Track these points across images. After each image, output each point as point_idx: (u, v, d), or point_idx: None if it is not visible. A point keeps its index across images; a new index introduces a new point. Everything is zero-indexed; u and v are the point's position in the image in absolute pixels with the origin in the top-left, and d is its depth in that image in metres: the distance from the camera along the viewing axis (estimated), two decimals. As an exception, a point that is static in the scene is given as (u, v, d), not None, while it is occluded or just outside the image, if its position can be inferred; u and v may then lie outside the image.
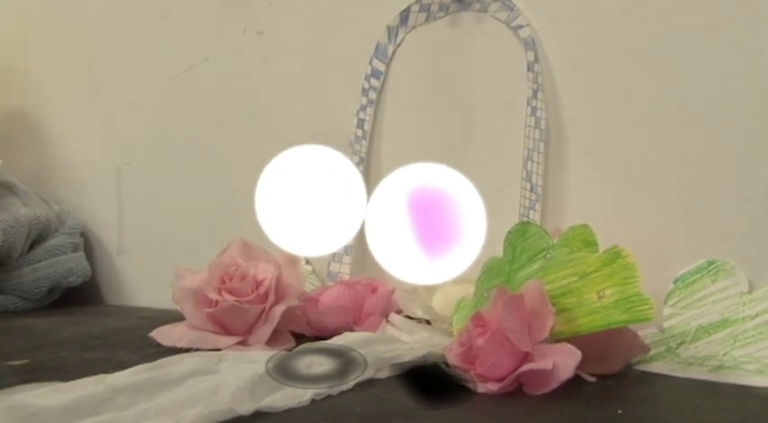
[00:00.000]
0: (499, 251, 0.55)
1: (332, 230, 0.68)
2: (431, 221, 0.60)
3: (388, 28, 0.76)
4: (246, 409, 0.42)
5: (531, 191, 0.66)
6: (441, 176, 0.62)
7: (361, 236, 0.75)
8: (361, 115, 0.77)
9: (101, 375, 0.45)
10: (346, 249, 0.76)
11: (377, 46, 0.77)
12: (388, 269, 0.62)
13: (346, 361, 0.51)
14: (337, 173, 0.69)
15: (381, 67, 0.77)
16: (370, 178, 0.75)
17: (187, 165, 0.90)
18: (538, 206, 0.66)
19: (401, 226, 0.61)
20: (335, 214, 0.70)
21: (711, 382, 0.52)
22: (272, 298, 0.62)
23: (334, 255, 0.76)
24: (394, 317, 0.64)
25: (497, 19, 0.70)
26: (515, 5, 0.69)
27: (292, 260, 0.66)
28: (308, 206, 0.67)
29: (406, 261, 0.60)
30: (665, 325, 0.56)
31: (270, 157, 0.73)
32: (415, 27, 0.75)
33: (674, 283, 0.57)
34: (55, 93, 1.02)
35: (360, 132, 0.77)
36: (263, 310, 0.62)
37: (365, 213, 0.64)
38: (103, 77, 0.97)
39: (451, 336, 0.58)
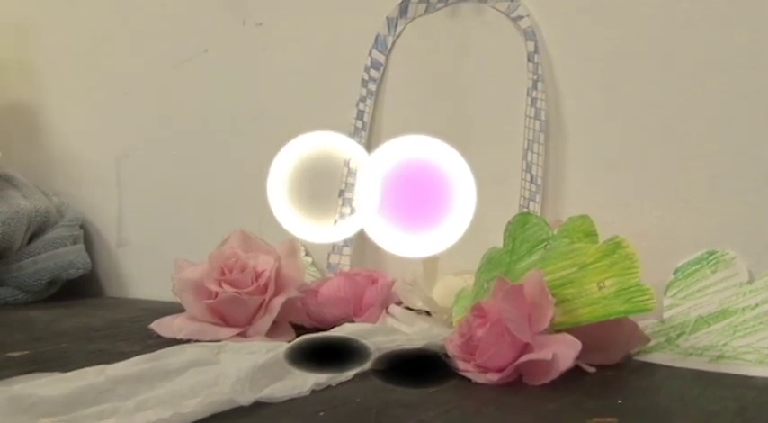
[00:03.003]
0: (499, 242, 0.55)
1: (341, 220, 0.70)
2: (418, 193, 0.60)
3: (388, 19, 0.76)
4: (246, 399, 0.42)
5: (532, 182, 0.66)
6: (428, 149, 0.62)
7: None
8: (361, 107, 0.77)
9: (101, 366, 0.45)
10: (346, 241, 0.76)
11: (376, 37, 0.76)
12: (380, 243, 0.62)
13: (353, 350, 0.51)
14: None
15: (381, 58, 0.76)
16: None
17: (186, 156, 0.90)
18: (538, 197, 0.66)
19: (390, 200, 0.61)
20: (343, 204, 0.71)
21: (711, 372, 0.52)
22: (271, 289, 0.62)
23: (333, 246, 0.76)
24: (394, 308, 0.64)
25: (497, 9, 0.70)
26: (515, -4, 0.68)
27: (292, 251, 0.66)
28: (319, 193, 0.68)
29: (398, 234, 0.60)
30: (665, 315, 0.56)
31: (269, 149, 0.73)
32: (414, 18, 0.75)
33: (674, 273, 0.57)
34: (54, 85, 1.02)
35: (359, 124, 0.77)
36: (262, 302, 0.62)
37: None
38: (102, 69, 0.97)
39: (451, 327, 0.58)
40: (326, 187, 0.75)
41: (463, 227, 0.61)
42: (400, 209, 0.61)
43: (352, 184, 0.73)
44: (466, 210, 0.60)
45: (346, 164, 0.74)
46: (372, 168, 0.63)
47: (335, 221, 0.73)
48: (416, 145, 0.64)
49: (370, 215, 0.63)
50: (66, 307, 0.83)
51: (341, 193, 0.74)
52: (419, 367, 0.50)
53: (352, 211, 0.73)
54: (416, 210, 0.61)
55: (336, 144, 0.73)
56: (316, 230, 0.72)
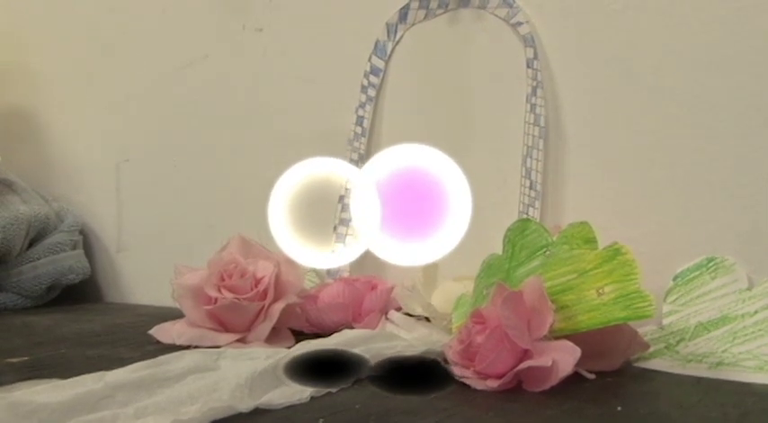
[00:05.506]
0: (499, 248, 0.55)
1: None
2: (414, 202, 0.59)
3: (388, 25, 0.76)
4: (246, 405, 0.42)
5: (531, 188, 0.66)
6: (421, 157, 0.62)
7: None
8: (361, 112, 0.77)
9: (100, 372, 0.45)
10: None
11: (376, 43, 0.77)
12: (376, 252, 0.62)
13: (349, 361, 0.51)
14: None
15: (380, 64, 0.77)
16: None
17: (186, 162, 0.90)
18: (537, 203, 0.66)
19: (386, 211, 0.60)
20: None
21: (711, 378, 0.52)
22: (271, 295, 0.62)
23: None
24: (393, 314, 0.64)
25: (497, 16, 0.70)
26: (515, 2, 0.68)
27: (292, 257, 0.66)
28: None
29: (395, 243, 0.60)
30: (665, 322, 0.56)
31: (269, 155, 0.73)
32: (414, 24, 0.75)
33: (674, 279, 0.57)
34: (54, 90, 1.02)
35: (359, 130, 0.77)
36: (262, 308, 0.61)
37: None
38: (103, 74, 0.97)
39: (451, 333, 0.58)
40: (328, 213, 0.75)
41: (460, 233, 0.61)
42: (397, 219, 0.61)
43: (347, 220, 0.74)
44: (462, 216, 0.60)
45: (341, 199, 0.74)
46: (366, 180, 0.63)
47: (333, 251, 0.74)
48: (409, 153, 0.64)
49: (369, 236, 0.63)
50: (65, 312, 0.83)
51: (335, 228, 0.74)
52: (418, 374, 0.50)
53: (349, 243, 0.74)
54: (413, 218, 0.61)
55: (336, 170, 0.73)
56: (316, 256, 0.73)
